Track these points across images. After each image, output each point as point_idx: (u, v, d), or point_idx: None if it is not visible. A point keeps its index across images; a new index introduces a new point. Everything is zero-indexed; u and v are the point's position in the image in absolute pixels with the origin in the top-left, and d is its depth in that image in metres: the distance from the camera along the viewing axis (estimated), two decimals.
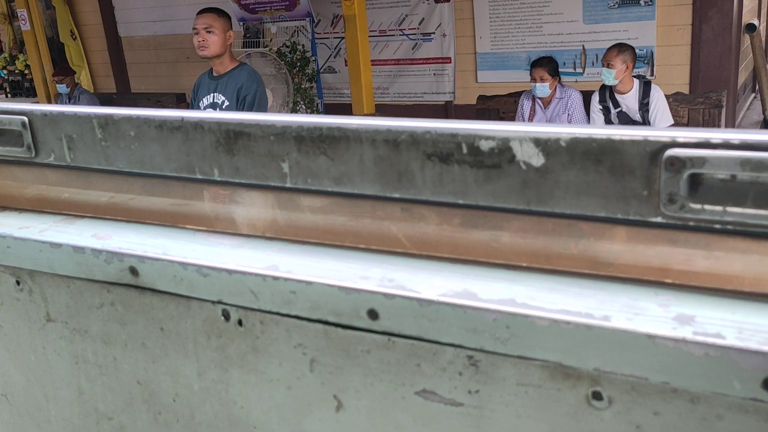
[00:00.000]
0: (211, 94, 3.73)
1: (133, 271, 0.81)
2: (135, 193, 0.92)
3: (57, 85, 6.49)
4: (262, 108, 3.71)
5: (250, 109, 3.60)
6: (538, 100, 4.59)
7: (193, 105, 3.89)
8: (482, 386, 0.66)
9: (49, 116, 0.91)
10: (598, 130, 0.62)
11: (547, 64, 4.50)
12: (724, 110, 4.70)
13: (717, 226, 0.61)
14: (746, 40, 6.04)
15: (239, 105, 3.62)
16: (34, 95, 8.08)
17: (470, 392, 0.67)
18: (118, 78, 8.29)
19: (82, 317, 0.89)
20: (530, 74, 4.55)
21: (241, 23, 6.61)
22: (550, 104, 4.56)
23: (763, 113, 6.34)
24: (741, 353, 0.53)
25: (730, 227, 0.60)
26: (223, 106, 3.66)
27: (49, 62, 7.55)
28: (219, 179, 0.83)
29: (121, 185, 0.92)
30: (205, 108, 3.72)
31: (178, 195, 0.88)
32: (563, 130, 0.64)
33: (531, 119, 4.58)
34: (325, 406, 0.76)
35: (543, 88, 4.47)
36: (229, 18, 3.75)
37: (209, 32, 3.60)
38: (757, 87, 6.83)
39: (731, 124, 5.44)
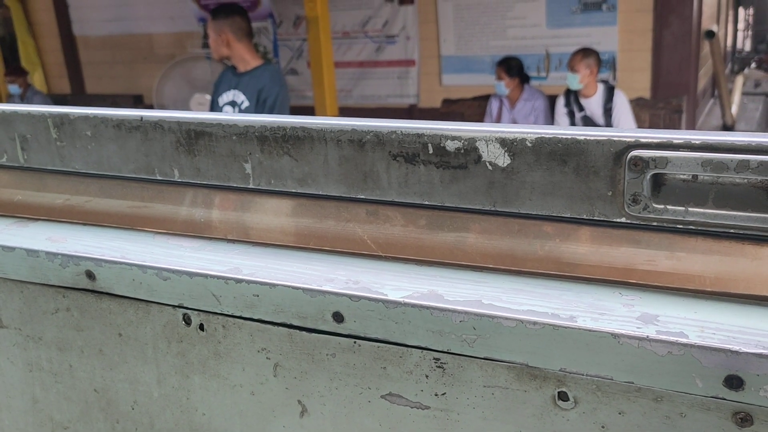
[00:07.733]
0: (232, 91, 3.53)
1: (90, 275, 0.79)
2: (92, 194, 0.89)
3: (9, 86, 6.29)
4: (284, 112, 3.44)
5: (270, 112, 3.35)
6: (505, 100, 4.67)
7: (213, 100, 3.67)
8: (449, 389, 0.66)
9: (1, 115, 0.88)
10: (563, 130, 0.63)
11: (503, 63, 4.64)
12: (684, 115, 4.81)
13: (679, 226, 0.61)
14: (705, 46, 6.19)
15: (259, 107, 3.41)
16: None
17: (437, 395, 0.66)
18: (72, 78, 8.07)
19: (36, 323, 0.87)
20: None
21: (201, 23, 6.54)
22: (517, 104, 4.65)
23: (723, 119, 6.49)
24: (703, 351, 0.54)
25: (692, 227, 0.61)
26: (243, 107, 3.46)
27: (1, 62, 7.34)
28: (179, 180, 0.81)
29: (77, 187, 0.89)
30: (223, 105, 3.53)
31: (137, 197, 0.86)
32: (529, 131, 0.64)
33: (499, 119, 4.66)
34: (289, 411, 0.75)
35: (500, 87, 4.62)
36: (227, 17, 3.45)
37: (211, 36, 3.47)
38: (716, 93, 7.00)
39: (691, 129, 5.56)
